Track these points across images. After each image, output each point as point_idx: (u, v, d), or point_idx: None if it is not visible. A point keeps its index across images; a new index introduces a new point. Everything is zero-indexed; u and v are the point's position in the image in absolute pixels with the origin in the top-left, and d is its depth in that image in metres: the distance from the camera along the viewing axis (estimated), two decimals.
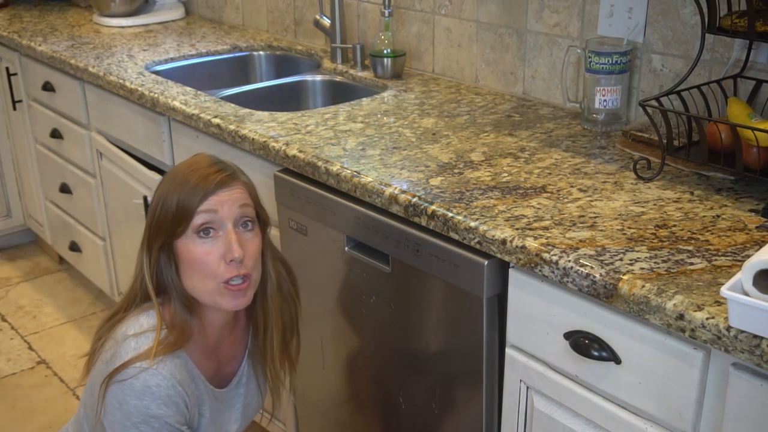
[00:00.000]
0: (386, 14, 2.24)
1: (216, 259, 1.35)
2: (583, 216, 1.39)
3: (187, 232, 1.35)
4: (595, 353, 1.26)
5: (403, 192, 1.51)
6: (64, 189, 2.91)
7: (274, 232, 1.90)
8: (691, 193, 1.47)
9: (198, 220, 1.35)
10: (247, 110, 2.02)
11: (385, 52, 2.25)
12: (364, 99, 2.12)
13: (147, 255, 1.40)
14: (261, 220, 1.44)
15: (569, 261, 1.25)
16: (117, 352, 1.36)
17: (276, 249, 1.53)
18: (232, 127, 1.91)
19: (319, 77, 2.42)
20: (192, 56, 2.63)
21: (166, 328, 1.38)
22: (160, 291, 1.41)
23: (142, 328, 1.38)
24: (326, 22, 2.47)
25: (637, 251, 1.26)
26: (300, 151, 1.74)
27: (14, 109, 3.09)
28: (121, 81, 2.32)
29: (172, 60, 2.58)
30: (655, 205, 1.43)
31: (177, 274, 1.39)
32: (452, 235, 1.43)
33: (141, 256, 1.42)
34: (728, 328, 1.07)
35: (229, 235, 1.36)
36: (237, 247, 1.35)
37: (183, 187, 1.35)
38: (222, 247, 1.35)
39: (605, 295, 1.21)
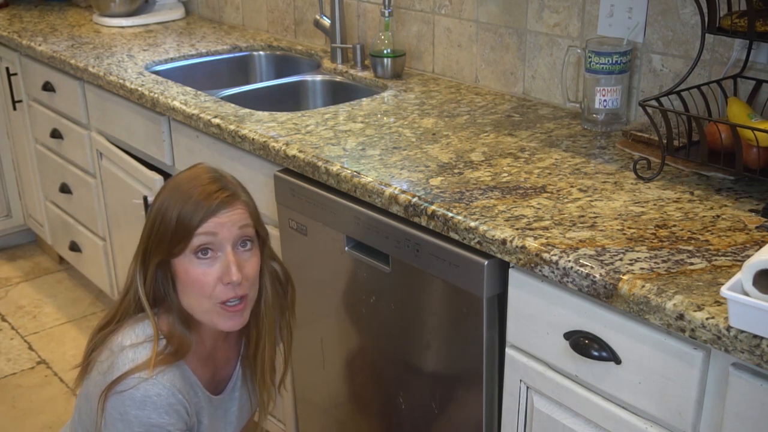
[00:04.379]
0: (386, 14, 2.24)
1: (213, 281, 1.34)
2: (583, 216, 1.39)
3: (186, 252, 1.34)
4: (595, 353, 1.26)
5: (403, 192, 1.52)
6: (64, 189, 2.91)
7: (273, 232, 1.90)
8: (691, 193, 1.47)
9: (196, 241, 1.33)
10: (247, 110, 2.02)
11: (385, 52, 2.25)
12: (364, 99, 2.12)
13: (142, 269, 1.38)
14: (260, 237, 1.43)
15: (569, 261, 1.25)
16: (114, 362, 1.35)
17: (275, 261, 1.51)
18: (232, 127, 1.91)
19: (319, 77, 2.42)
20: (192, 56, 2.63)
21: (165, 339, 1.37)
22: (156, 302, 1.40)
23: (138, 339, 1.37)
24: (326, 22, 2.47)
25: (637, 251, 1.26)
26: (300, 151, 1.74)
27: (14, 109, 3.09)
28: (121, 81, 2.32)
29: (172, 60, 2.58)
30: (655, 205, 1.43)
31: (174, 291, 1.38)
32: (452, 235, 1.43)
33: (134, 269, 1.40)
34: (728, 328, 1.07)
35: (228, 258, 1.34)
36: (235, 271, 1.34)
37: (184, 204, 1.33)
38: (220, 269, 1.34)
39: (605, 295, 1.21)
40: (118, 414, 1.33)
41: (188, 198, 1.34)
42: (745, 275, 1.03)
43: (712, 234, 1.31)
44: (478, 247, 1.39)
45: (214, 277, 1.34)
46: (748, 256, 1.22)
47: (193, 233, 1.33)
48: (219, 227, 1.34)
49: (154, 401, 1.32)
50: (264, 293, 1.47)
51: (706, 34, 1.52)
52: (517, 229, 1.36)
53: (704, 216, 1.38)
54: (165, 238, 1.34)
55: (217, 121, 1.96)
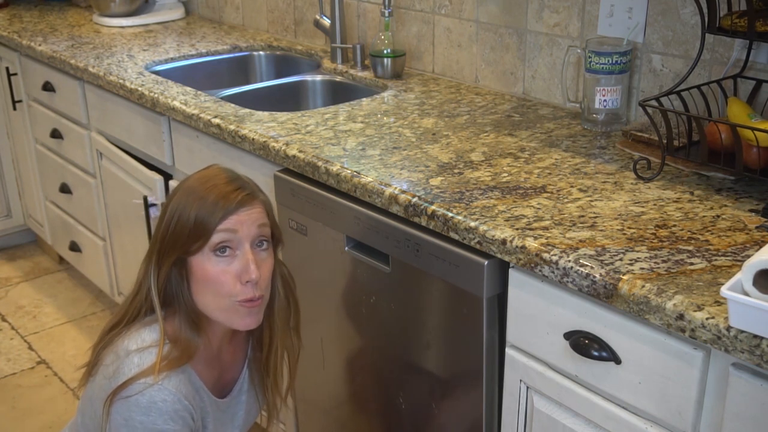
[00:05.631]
0: (386, 14, 2.24)
1: (231, 279, 1.34)
2: (583, 216, 1.39)
3: (204, 249, 1.33)
4: (595, 353, 1.26)
5: (403, 192, 1.51)
6: (64, 189, 2.91)
7: None
8: (691, 193, 1.47)
9: (216, 238, 1.33)
10: (247, 110, 2.02)
11: (385, 52, 2.25)
12: (364, 99, 2.12)
13: (156, 268, 1.37)
14: (275, 239, 1.44)
15: (569, 261, 1.25)
16: (120, 367, 1.34)
17: (285, 268, 1.51)
18: (232, 127, 1.91)
19: (319, 77, 2.42)
20: (192, 56, 2.63)
21: (170, 343, 1.37)
22: (165, 303, 1.39)
23: (144, 343, 1.36)
24: (326, 22, 2.47)
25: (637, 251, 1.26)
26: (300, 151, 1.74)
27: (14, 109, 3.09)
28: (121, 81, 2.32)
29: (172, 60, 2.58)
30: (655, 205, 1.43)
31: (188, 290, 1.38)
32: (452, 235, 1.43)
33: (147, 268, 1.39)
34: (728, 328, 1.07)
35: (247, 256, 1.34)
36: (254, 269, 1.34)
37: (202, 204, 1.33)
38: (238, 266, 1.34)
39: (605, 295, 1.21)
40: (123, 419, 1.32)
41: (206, 199, 1.34)
42: (745, 275, 1.03)
43: (712, 234, 1.31)
44: (478, 247, 1.39)
45: (232, 276, 1.34)
46: (748, 256, 1.22)
47: (213, 231, 1.33)
48: (239, 225, 1.34)
49: (159, 407, 1.32)
50: (277, 295, 1.47)
51: (706, 34, 1.52)
52: (517, 229, 1.36)
53: (704, 216, 1.38)
54: (182, 237, 1.34)
55: (217, 121, 1.96)
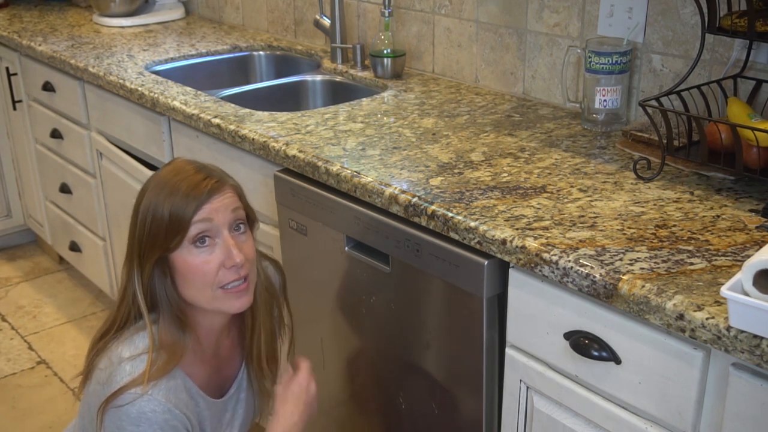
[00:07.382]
0: (386, 14, 2.24)
1: (215, 267, 1.34)
2: (583, 216, 1.39)
3: (183, 243, 1.33)
4: (595, 353, 1.26)
5: (403, 192, 1.52)
6: (64, 189, 2.91)
7: (273, 232, 1.90)
8: (691, 193, 1.47)
9: (194, 230, 1.33)
10: (247, 110, 2.02)
11: (385, 52, 2.25)
12: (364, 99, 2.12)
13: (138, 271, 1.36)
14: (249, 220, 1.44)
15: (569, 261, 1.25)
16: (112, 375, 1.34)
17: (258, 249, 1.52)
18: (232, 127, 1.91)
19: (319, 77, 2.42)
20: (192, 56, 2.63)
21: (159, 348, 1.36)
22: (152, 307, 1.38)
23: (137, 350, 1.36)
24: (326, 22, 2.47)
25: (637, 251, 1.26)
26: (300, 151, 1.74)
27: (14, 109, 3.09)
28: (121, 81, 2.32)
29: (172, 60, 2.58)
30: (655, 205, 1.43)
31: (173, 286, 1.37)
32: (452, 235, 1.43)
33: (129, 273, 1.38)
34: (728, 328, 1.07)
35: (227, 242, 1.35)
36: (237, 253, 1.34)
37: (173, 199, 1.33)
38: (221, 254, 1.34)
39: (605, 295, 1.21)
40: (116, 428, 1.32)
41: (177, 191, 1.33)
42: (745, 275, 1.03)
43: (712, 234, 1.31)
44: (478, 247, 1.39)
45: (216, 264, 1.34)
46: (748, 256, 1.22)
47: (189, 223, 1.32)
48: (213, 213, 1.34)
49: (149, 417, 1.31)
50: (258, 277, 1.47)
51: (706, 34, 1.52)
52: (517, 229, 1.36)
53: (704, 216, 1.38)
54: (159, 235, 1.33)
55: (217, 121, 1.96)
